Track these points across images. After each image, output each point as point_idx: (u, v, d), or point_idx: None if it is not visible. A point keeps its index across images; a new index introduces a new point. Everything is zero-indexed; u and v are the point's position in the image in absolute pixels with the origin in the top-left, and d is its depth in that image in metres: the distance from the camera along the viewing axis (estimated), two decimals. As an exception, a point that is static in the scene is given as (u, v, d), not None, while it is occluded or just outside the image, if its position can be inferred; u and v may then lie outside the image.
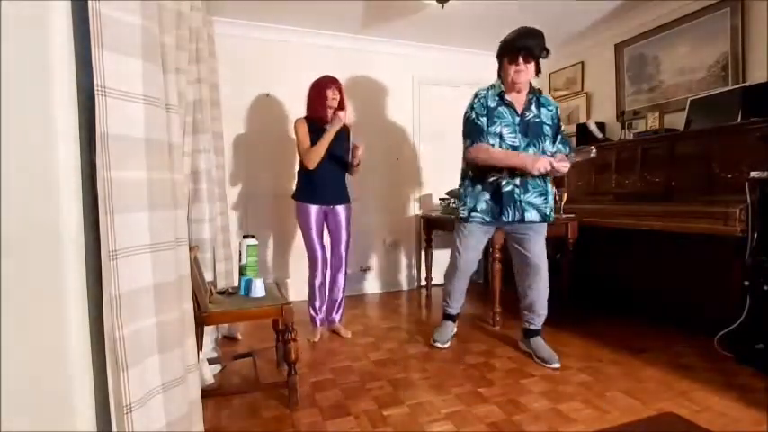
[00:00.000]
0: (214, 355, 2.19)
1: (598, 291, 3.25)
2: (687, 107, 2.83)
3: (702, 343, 2.33)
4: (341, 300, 2.68)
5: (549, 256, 3.47)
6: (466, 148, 2.25)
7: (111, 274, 0.84)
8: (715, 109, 2.63)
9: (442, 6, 2.83)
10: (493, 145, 2.17)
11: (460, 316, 2.68)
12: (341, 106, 2.56)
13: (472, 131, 2.20)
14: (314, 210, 2.52)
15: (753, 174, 2.10)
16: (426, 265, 3.82)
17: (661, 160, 2.76)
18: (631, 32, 3.36)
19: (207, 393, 1.72)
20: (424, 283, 3.92)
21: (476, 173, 2.26)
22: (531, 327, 2.31)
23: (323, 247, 2.57)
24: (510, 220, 2.18)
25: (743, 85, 2.59)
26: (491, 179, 2.20)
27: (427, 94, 3.99)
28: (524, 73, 2.12)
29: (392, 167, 3.93)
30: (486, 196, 2.22)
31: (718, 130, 2.47)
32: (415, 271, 4.08)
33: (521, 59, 2.09)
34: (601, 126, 3.46)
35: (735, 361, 2.13)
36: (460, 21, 3.32)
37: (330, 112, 2.52)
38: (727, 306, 2.24)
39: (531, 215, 2.18)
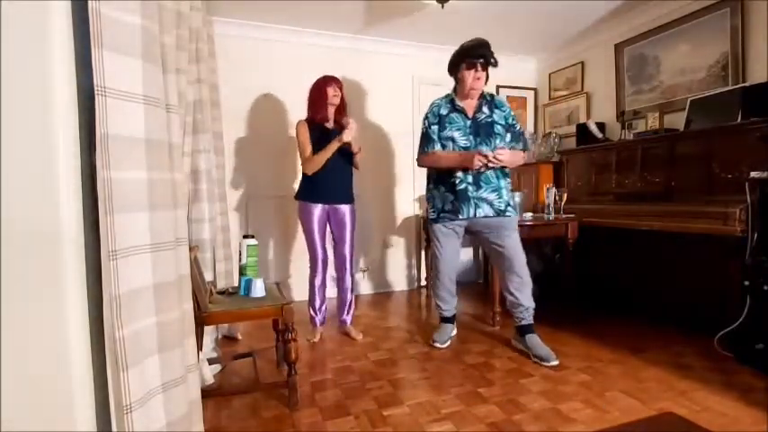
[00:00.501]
0: (214, 355, 2.19)
1: (598, 291, 3.25)
2: (687, 107, 2.83)
3: (702, 343, 2.33)
4: (350, 300, 2.66)
5: (548, 256, 3.49)
6: (418, 156, 2.44)
7: (111, 274, 0.84)
8: (715, 109, 2.63)
9: (442, 6, 2.83)
10: (445, 147, 2.34)
11: (460, 316, 2.68)
12: (342, 105, 2.55)
13: (422, 140, 2.41)
14: (317, 209, 2.50)
15: (753, 174, 2.10)
16: (426, 265, 3.82)
17: (661, 160, 2.76)
18: (631, 32, 3.35)
19: (207, 393, 1.72)
20: (423, 283, 3.92)
21: (438, 175, 2.40)
22: (523, 322, 2.31)
23: (324, 248, 2.56)
24: (465, 216, 2.29)
25: (743, 85, 2.59)
26: (450, 180, 2.34)
27: (427, 94, 3.98)
28: (482, 80, 2.30)
29: (392, 167, 3.93)
30: (450, 197, 2.34)
31: (718, 130, 2.47)
32: (414, 271, 4.07)
33: (479, 67, 2.26)
34: (601, 126, 3.46)
35: (735, 361, 2.13)
36: (460, 21, 3.32)
37: (332, 109, 2.52)
38: (727, 306, 2.24)
39: (484, 210, 2.29)
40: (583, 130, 3.51)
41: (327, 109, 2.50)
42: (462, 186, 2.29)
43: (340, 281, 2.64)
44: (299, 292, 3.50)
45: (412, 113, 3.96)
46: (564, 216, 2.98)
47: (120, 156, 0.85)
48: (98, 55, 0.81)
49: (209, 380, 1.95)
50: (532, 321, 2.32)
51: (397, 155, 3.94)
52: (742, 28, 2.66)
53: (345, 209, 2.57)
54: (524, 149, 2.42)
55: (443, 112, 2.37)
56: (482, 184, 2.29)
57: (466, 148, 2.30)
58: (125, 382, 0.85)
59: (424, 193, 3.97)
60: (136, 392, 0.87)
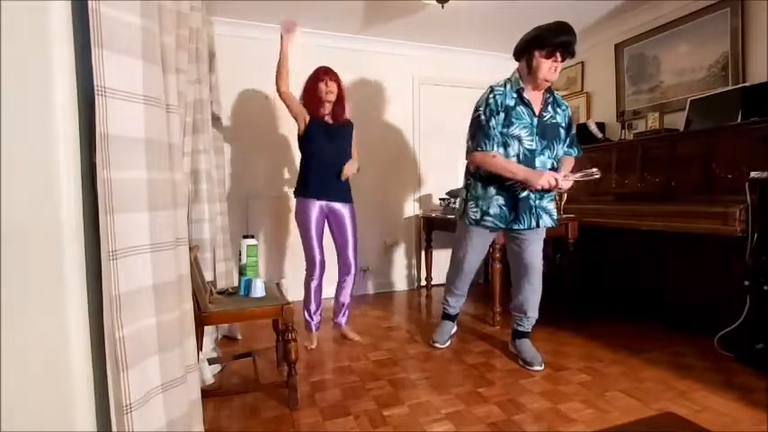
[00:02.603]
0: (214, 355, 2.18)
1: (598, 291, 3.25)
2: (687, 107, 2.83)
3: (702, 343, 2.33)
4: (347, 304, 2.60)
5: (548, 256, 3.48)
6: (470, 151, 2.11)
7: (111, 275, 0.84)
8: (715, 109, 2.63)
9: (442, 6, 2.83)
10: (508, 146, 2.03)
11: (461, 315, 2.68)
12: (340, 98, 2.44)
13: (478, 134, 2.04)
14: (314, 209, 2.42)
15: (753, 174, 2.10)
16: (426, 265, 3.82)
17: (661, 160, 2.76)
18: (631, 32, 3.35)
19: (207, 393, 1.72)
20: (423, 283, 3.92)
21: (490, 175, 2.10)
22: (520, 328, 2.27)
23: (321, 250, 2.48)
24: (526, 226, 2.08)
25: (743, 85, 2.59)
26: (507, 183, 2.07)
27: (427, 94, 3.99)
28: (558, 72, 2.00)
29: (392, 167, 3.93)
30: (501, 201, 2.10)
31: (718, 130, 2.47)
32: (414, 271, 4.08)
33: (559, 56, 1.94)
34: (601, 126, 3.46)
35: (735, 361, 2.13)
36: (460, 21, 3.32)
37: (328, 106, 2.42)
38: (728, 306, 2.24)
39: (545, 221, 2.11)
40: (583, 130, 3.50)
41: (322, 106, 2.40)
42: (525, 194, 2.05)
43: (342, 284, 2.57)
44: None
45: (412, 113, 3.96)
46: (564, 216, 2.99)
47: (120, 156, 0.85)
48: (98, 55, 0.81)
49: (209, 380, 1.95)
50: (529, 330, 2.27)
51: (397, 155, 3.94)
52: (742, 28, 2.66)
53: (344, 210, 2.48)
54: (577, 156, 2.19)
55: (509, 102, 2.02)
56: (543, 193, 2.08)
57: (530, 152, 2.02)
58: (125, 382, 0.85)
59: (424, 193, 4.03)
60: (136, 392, 0.87)
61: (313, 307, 2.53)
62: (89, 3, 0.80)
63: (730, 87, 2.65)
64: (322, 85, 2.38)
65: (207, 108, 2.18)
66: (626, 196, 2.97)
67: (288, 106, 2.42)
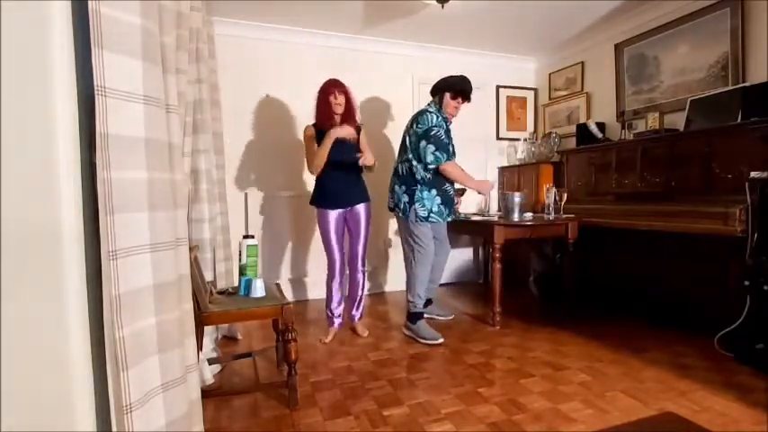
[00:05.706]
0: (214, 355, 2.18)
1: (598, 291, 3.25)
2: (687, 107, 2.82)
3: (702, 343, 2.33)
4: (361, 297, 2.72)
5: (548, 256, 3.49)
6: (439, 161, 2.55)
7: (111, 275, 0.84)
8: (715, 109, 2.63)
9: (442, 6, 2.82)
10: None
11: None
12: (349, 108, 2.51)
13: (444, 147, 2.57)
14: (333, 215, 2.53)
15: (753, 174, 2.10)
16: (426, 265, 3.82)
17: (661, 160, 2.76)
18: (631, 32, 3.35)
19: (207, 393, 1.72)
20: (423, 283, 3.91)
21: (432, 180, 2.61)
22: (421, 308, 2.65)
23: (341, 250, 2.59)
24: (451, 218, 2.75)
25: (743, 85, 2.58)
26: (444, 186, 2.64)
27: (427, 95, 3.97)
28: (458, 110, 2.71)
29: (391, 167, 3.92)
30: (439, 200, 2.62)
31: (718, 130, 2.47)
32: (415, 271, 4.06)
33: (462, 100, 2.67)
34: (601, 126, 3.46)
35: (735, 361, 2.13)
36: (460, 21, 3.32)
37: (337, 118, 2.48)
38: (727, 306, 2.24)
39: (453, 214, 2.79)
40: (583, 130, 3.50)
41: (331, 118, 2.47)
42: (451, 194, 2.68)
43: (351, 276, 2.69)
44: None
45: (412, 113, 3.94)
46: (564, 216, 2.99)
47: (120, 156, 0.85)
48: (98, 55, 0.81)
49: (210, 380, 1.95)
50: None
51: (396, 155, 3.93)
52: (742, 28, 2.65)
53: (361, 207, 2.59)
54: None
55: (444, 124, 2.61)
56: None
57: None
58: (125, 383, 0.85)
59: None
60: (136, 392, 0.87)
61: (334, 304, 2.64)
62: (89, 3, 0.79)
63: (730, 87, 2.65)
64: (331, 98, 2.45)
65: (207, 108, 2.18)
66: (626, 196, 2.97)
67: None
